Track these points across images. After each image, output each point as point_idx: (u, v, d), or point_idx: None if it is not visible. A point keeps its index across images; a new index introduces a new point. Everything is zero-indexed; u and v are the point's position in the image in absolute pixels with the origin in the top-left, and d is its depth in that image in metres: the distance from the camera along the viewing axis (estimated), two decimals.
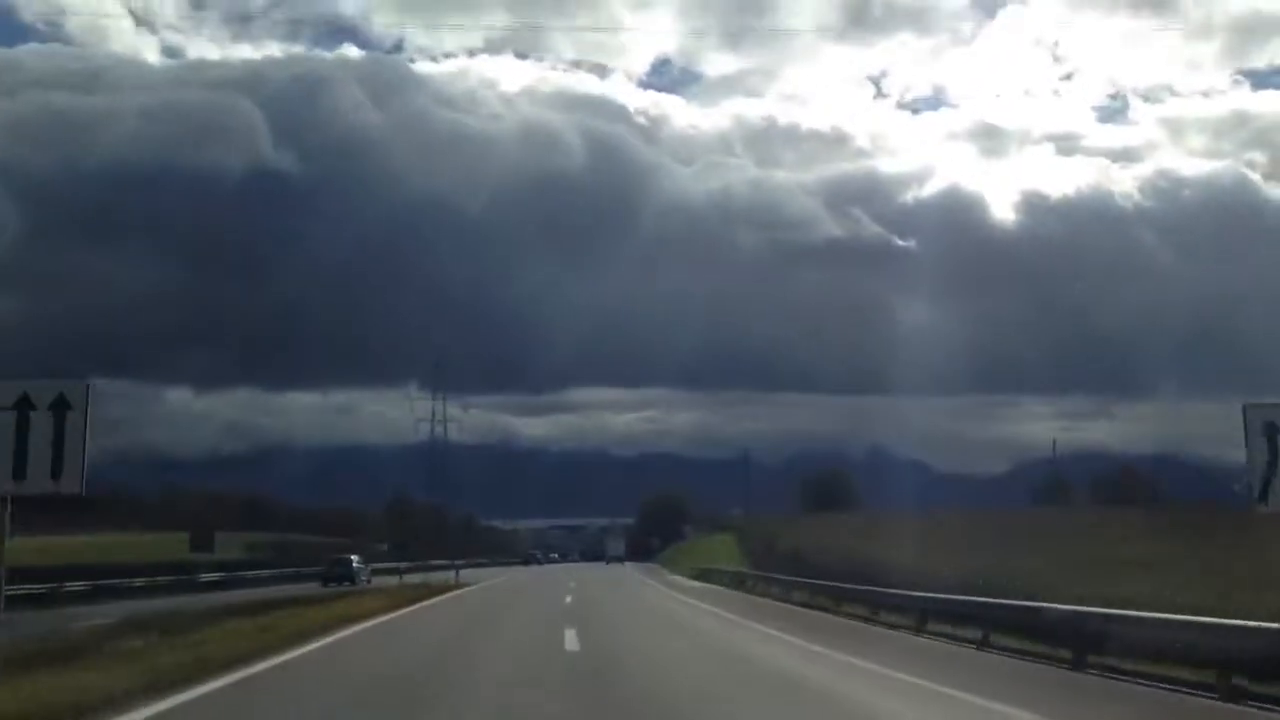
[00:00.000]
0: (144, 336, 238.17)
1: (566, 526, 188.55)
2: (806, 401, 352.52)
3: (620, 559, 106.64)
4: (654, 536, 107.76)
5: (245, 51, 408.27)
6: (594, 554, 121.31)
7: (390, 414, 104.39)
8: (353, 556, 54.47)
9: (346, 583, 47.53)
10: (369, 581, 49.92)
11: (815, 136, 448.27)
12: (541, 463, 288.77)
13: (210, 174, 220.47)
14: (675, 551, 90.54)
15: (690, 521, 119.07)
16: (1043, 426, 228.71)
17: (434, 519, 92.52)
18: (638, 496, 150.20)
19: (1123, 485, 78.87)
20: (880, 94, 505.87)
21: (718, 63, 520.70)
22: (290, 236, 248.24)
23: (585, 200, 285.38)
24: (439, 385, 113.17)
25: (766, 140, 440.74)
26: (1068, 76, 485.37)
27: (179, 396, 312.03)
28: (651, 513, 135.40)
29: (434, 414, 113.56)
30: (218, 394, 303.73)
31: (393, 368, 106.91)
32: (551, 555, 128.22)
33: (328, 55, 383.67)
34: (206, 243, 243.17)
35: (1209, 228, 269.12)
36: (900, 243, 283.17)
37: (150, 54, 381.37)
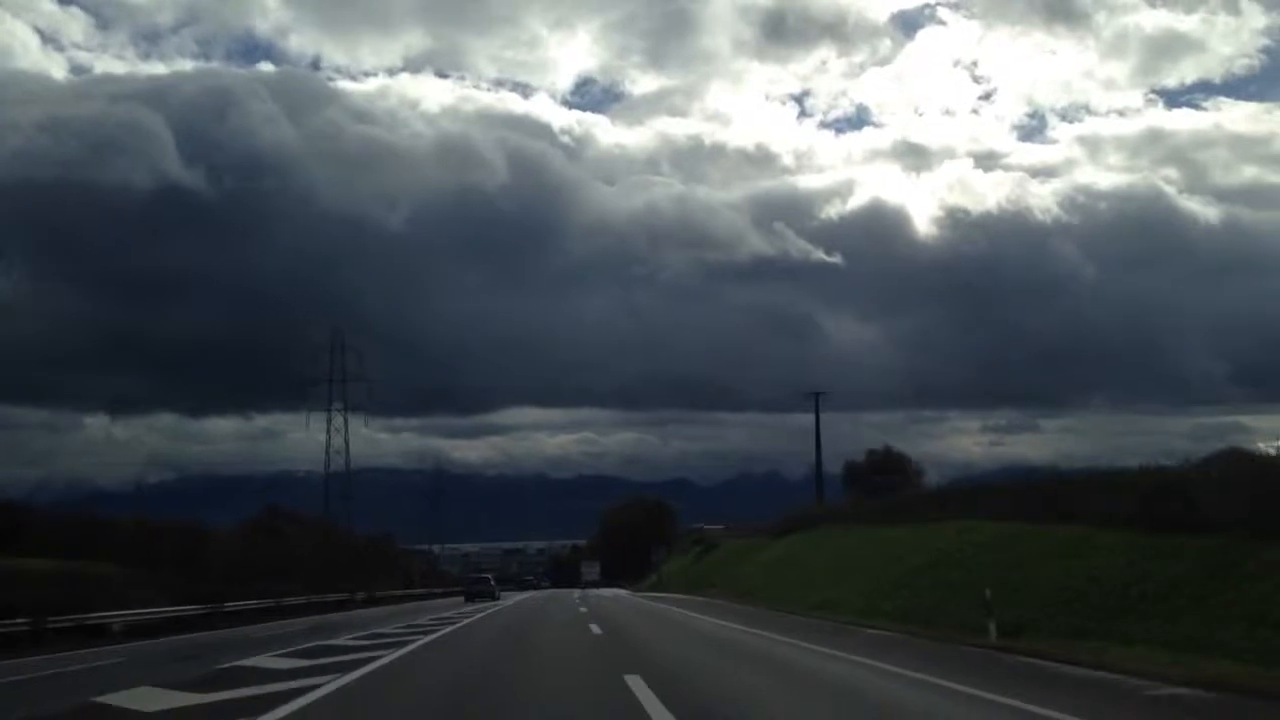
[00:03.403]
0: (55, 362, 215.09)
1: (504, 550, 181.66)
2: (740, 421, 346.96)
3: (596, 583, 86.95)
4: (655, 552, 77.49)
5: (158, 69, 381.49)
6: (563, 579, 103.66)
7: (314, 438, 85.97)
8: (488, 575, 60.34)
9: (488, 599, 48.80)
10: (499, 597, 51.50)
11: (741, 155, 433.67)
12: (475, 486, 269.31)
13: (121, 191, 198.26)
14: (692, 570, 60.16)
15: (676, 536, 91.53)
16: (970, 441, 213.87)
17: (323, 540, 62.84)
18: (576, 519, 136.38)
19: None
20: (804, 113, 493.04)
21: (641, 82, 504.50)
22: (222, 254, 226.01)
23: (511, 219, 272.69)
24: (335, 371, 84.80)
25: (692, 159, 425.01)
26: (987, 96, 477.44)
27: (97, 423, 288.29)
28: (624, 527, 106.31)
29: (329, 398, 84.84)
30: (136, 420, 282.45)
31: (314, 390, 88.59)
32: (529, 579, 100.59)
33: (241, 71, 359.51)
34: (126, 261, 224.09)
35: (1128, 240, 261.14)
36: (827, 258, 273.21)
37: (58, 70, 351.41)
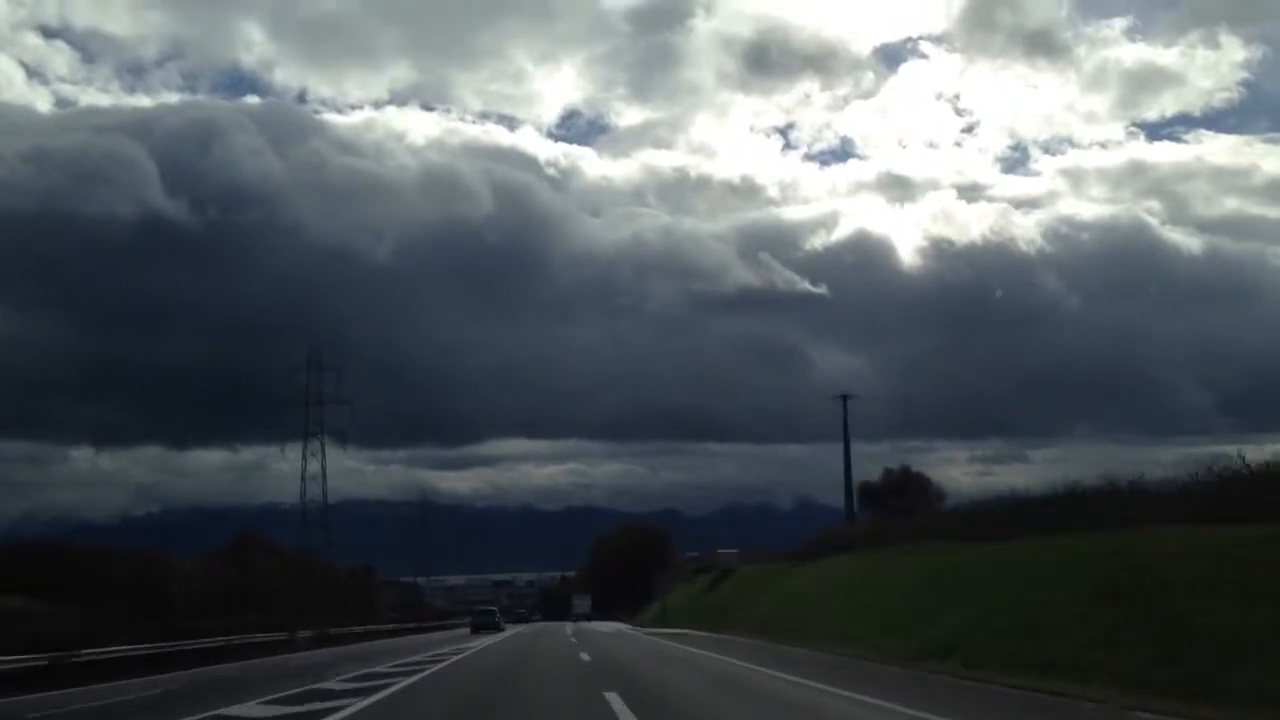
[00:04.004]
0: (39, 394, 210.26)
1: (492, 582, 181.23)
2: (729, 452, 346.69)
3: (588, 616, 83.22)
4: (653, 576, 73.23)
5: (143, 101, 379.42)
6: (554, 612, 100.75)
7: (297, 467, 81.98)
8: (494, 608, 63.51)
9: (493, 631, 52.13)
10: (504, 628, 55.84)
11: (726, 186, 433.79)
12: (463, 517, 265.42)
13: (105, 222, 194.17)
14: (704, 600, 55.22)
15: (675, 563, 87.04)
16: (959, 470, 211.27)
17: (301, 571, 58.43)
18: (565, 551, 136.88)
19: None
20: (789, 145, 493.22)
21: (627, 114, 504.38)
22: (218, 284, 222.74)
23: (498, 251, 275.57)
24: (312, 393, 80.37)
25: (678, 190, 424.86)
26: (969, 129, 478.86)
27: (82, 456, 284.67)
28: (615, 556, 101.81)
29: (306, 420, 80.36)
30: (121, 452, 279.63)
31: (291, 413, 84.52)
32: (521, 611, 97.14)
33: (226, 103, 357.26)
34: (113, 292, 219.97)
35: (1112, 270, 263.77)
36: (813, 289, 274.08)
37: (43, 103, 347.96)
